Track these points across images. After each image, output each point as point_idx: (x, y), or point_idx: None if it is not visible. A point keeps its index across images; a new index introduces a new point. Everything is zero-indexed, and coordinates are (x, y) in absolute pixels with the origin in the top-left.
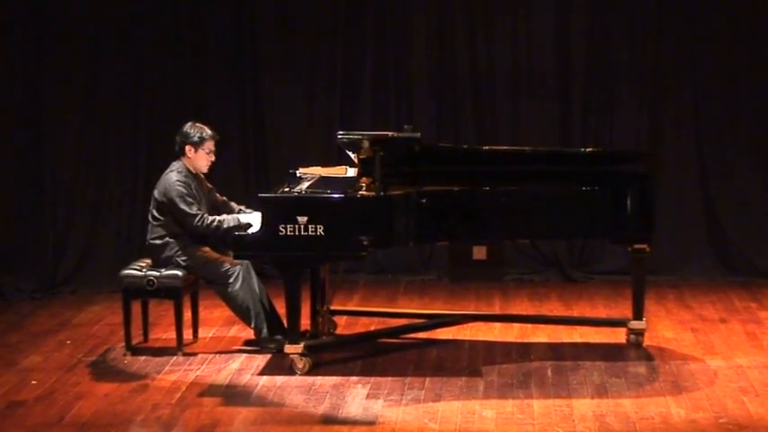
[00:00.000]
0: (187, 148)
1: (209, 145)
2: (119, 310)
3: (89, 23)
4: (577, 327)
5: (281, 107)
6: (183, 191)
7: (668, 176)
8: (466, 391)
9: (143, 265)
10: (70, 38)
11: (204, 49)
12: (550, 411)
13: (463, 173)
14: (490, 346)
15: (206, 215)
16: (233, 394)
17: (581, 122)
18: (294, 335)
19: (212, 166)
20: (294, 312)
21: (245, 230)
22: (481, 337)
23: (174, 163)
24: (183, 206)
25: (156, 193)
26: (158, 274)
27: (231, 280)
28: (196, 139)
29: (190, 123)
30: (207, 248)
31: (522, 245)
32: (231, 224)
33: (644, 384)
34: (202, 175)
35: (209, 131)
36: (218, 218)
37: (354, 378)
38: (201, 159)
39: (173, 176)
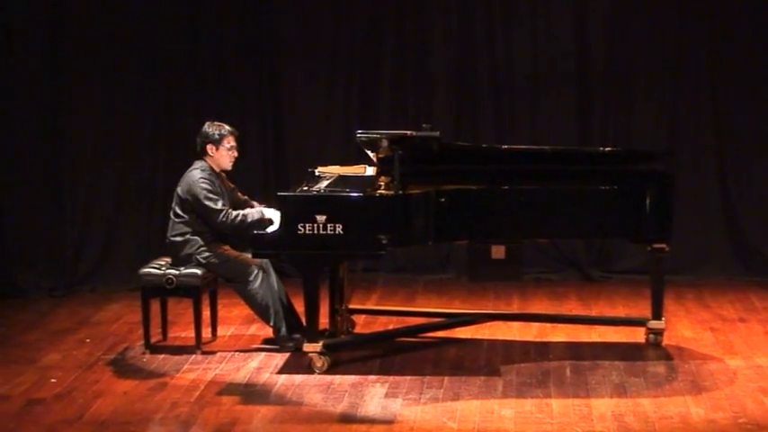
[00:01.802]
0: (208, 147)
1: (230, 140)
2: (138, 308)
3: (108, 22)
4: (596, 326)
5: (300, 106)
6: (208, 187)
7: (687, 175)
8: (485, 391)
9: (162, 263)
10: (89, 36)
11: (223, 49)
12: (569, 411)
13: (482, 172)
14: (509, 345)
15: (230, 210)
16: (252, 393)
17: (600, 121)
18: (313, 333)
19: (235, 164)
20: (313, 311)
21: (269, 225)
22: (500, 337)
23: (197, 162)
24: (207, 202)
25: (179, 190)
26: (177, 272)
27: (251, 278)
28: (216, 136)
29: (208, 123)
30: (227, 247)
31: (541, 244)
32: (255, 217)
33: (663, 384)
34: (224, 174)
35: (228, 128)
36: (242, 212)
37: (373, 377)
38: (224, 156)
39: (196, 174)
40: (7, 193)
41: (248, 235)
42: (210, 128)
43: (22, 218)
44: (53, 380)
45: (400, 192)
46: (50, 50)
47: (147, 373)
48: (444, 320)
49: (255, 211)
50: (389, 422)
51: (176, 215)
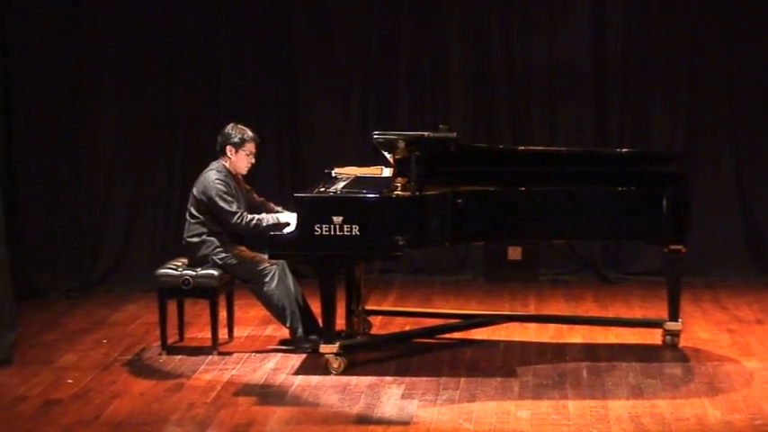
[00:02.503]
0: (228, 148)
1: (250, 147)
2: (154, 309)
3: (126, 26)
4: (613, 327)
5: (317, 107)
6: (223, 189)
7: (704, 177)
8: (501, 392)
9: (179, 264)
10: (106, 38)
11: (240, 49)
12: (585, 412)
13: (499, 173)
14: (525, 346)
15: (245, 213)
16: (268, 394)
17: (617, 122)
18: (329, 334)
19: (250, 170)
20: (329, 312)
21: (283, 229)
22: (516, 338)
23: (214, 163)
24: (222, 204)
25: (194, 191)
26: (194, 273)
27: (267, 279)
28: (237, 140)
29: (232, 124)
30: (243, 248)
31: (558, 245)
32: (270, 222)
33: (680, 386)
34: (240, 176)
35: (251, 134)
36: (257, 216)
37: (389, 378)
38: (241, 161)
39: (212, 175)
40: (25, 195)
41: (265, 236)
42: (234, 130)
43: (39, 219)
44: (70, 380)
45: (417, 193)
46: (68, 56)
47: (164, 373)
48: (461, 322)
49: (271, 217)
50: (406, 423)
51: (192, 216)
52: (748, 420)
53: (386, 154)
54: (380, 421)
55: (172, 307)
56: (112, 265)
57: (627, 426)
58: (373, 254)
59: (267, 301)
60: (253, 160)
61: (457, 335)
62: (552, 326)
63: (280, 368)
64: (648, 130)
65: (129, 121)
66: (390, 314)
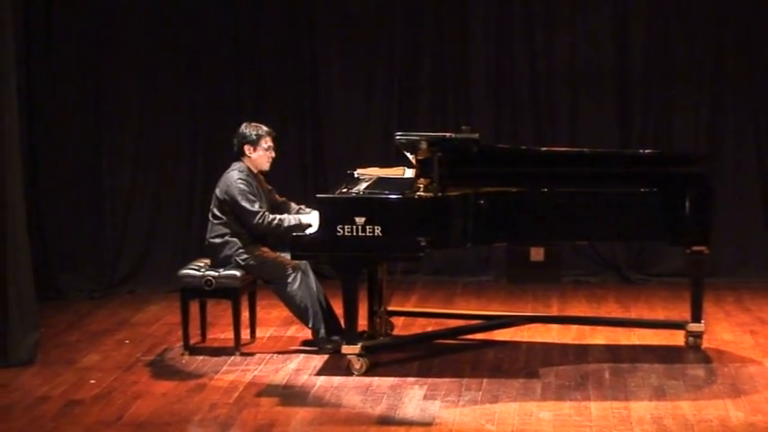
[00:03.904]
0: (246, 147)
1: (267, 141)
2: (177, 309)
3: (149, 25)
4: (635, 329)
5: (339, 108)
6: (245, 188)
7: (727, 177)
8: (523, 393)
9: (201, 264)
10: (129, 40)
11: (262, 50)
12: (608, 414)
13: (521, 174)
14: (548, 347)
15: (267, 213)
16: (290, 394)
17: (640, 123)
18: (351, 335)
19: (273, 165)
20: (351, 313)
21: (305, 230)
22: (539, 339)
23: (235, 163)
24: (244, 203)
25: (217, 191)
26: (216, 274)
27: (289, 280)
28: (253, 137)
29: (245, 124)
30: (265, 248)
31: (580, 246)
32: (292, 223)
33: (702, 387)
34: (262, 176)
35: (265, 128)
36: (278, 216)
37: (411, 379)
38: (261, 157)
39: (234, 175)
40: (48, 197)
41: (287, 237)
42: (248, 128)
43: (62, 221)
44: (92, 381)
45: (439, 194)
46: (91, 57)
47: (186, 374)
48: (483, 322)
49: (292, 218)
50: (428, 424)
51: (215, 217)
52: None
53: (408, 155)
54: (403, 422)
55: (194, 307)
56: (135, 266)
57: (649, 427)
58: (395, 254)
59: (289, 302)
60: (273, 154)
61: (479, 336)
62: (575, 327)
63: (302, 369)
64: (671, 131)
65: (152, 124)
66: (413, 315)
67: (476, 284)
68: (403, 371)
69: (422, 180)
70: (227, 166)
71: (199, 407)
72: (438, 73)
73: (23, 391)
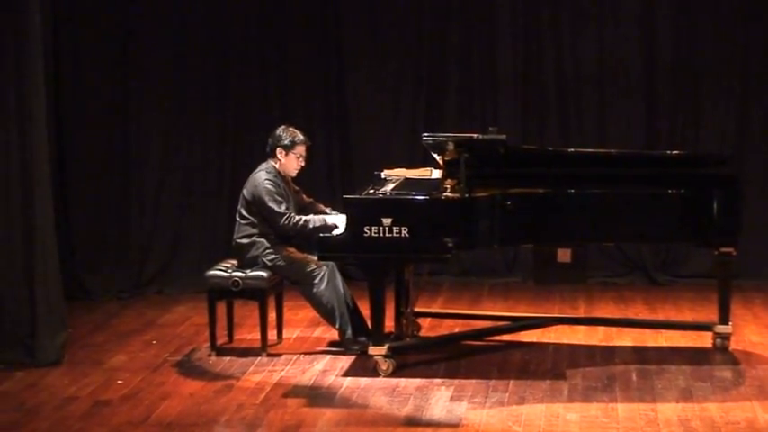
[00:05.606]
0: (278, 150)
1: (300, 150)
2: (204, 310)
3: (177, 23)
4: (662, 330)
5: (367, 109)
6: (272, 189)
7: (755, 178)
8: (550, 394)
9: (228, 265)
10: (157, 41)
11: (290, 51)
12: (635, 415)
13: (548, 175)
14: (574, 348)
15: (293, 214)
16: (317, 395)
17: (667, 124)
18: (378, 336)
19: (300, 172)
20: (378, 314)
21: (331, 231)
22: (565, 340)
23: (263, 164)
24: (271, 204)
25: (244, 192)
26: (243, 274)
27: (316, 280)
28: (287, 142)
29: (283, 127)
30: (292, 249)
31: (607, 247)
32: (318, 224)
33: (730, 389)
34: (289, 178)
35: (302, 137)
36: (305, 217)
37: (438, 380)
38: (291, 163)
39: (261, 176)
40: (76, 198)
41: (314, 237)
42: (285, 132)
43: (89, 221)
44: (120, 381)
45: (466, 195)
46: (118, 58)
47: (213, 375)
48: (510, 324)
49: (318, 218)
50: (454, 426)
51: (242, 217)
52: None
53: (435, 156)
54: (429, 423)
55: (221, 308)
56: (162, 267)
57: (676, 429)
58: (422, 255)
59: (316, 303)
60: (303, 163)
61: (506, 337)
62: (602, 328)
63: (329, 370)
64: (699, 132)
65: (179, 124)
66: (439, 316)
67: (503, 285)
68: (430, 372)
69: (449, 181)
70: (254, 167)
71: (226, 407)
72: (465, 74)
73: (51, 392)
